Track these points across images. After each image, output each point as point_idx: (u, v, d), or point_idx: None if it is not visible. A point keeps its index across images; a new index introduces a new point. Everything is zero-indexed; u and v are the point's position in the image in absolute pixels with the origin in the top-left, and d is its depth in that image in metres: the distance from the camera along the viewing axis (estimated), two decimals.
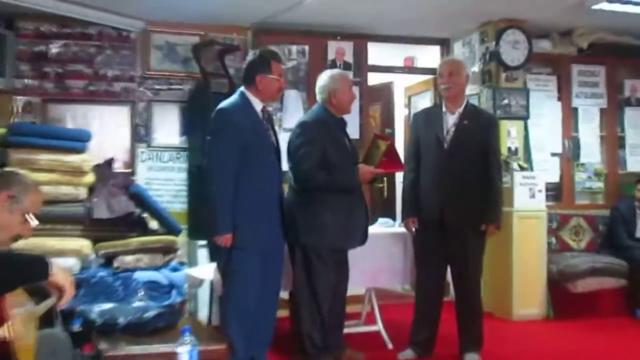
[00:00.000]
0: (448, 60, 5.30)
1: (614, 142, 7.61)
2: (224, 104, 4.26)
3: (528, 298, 6.46)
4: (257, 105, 4.32)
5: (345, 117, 4.83)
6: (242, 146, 4.14)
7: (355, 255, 4.83)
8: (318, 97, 4.74)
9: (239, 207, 4.13)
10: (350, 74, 6.81)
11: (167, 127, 6.78)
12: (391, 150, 4.63)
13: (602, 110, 7.58)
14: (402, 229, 5.29)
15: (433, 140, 4.91)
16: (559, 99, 7.40)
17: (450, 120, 4.94)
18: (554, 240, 7.03)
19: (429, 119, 5.04)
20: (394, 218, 6.24)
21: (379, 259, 5.28)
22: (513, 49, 6.80)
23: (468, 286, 4.95)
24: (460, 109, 4.94)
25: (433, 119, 4.99)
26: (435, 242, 4.92)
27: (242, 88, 4.36)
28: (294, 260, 4.62)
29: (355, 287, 5.15)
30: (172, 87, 6.80)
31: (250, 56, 4.38)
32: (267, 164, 4.29)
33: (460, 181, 4.82)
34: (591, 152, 7.50)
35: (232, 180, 4.11)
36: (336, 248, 4.61)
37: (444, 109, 4.99)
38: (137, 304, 4.56)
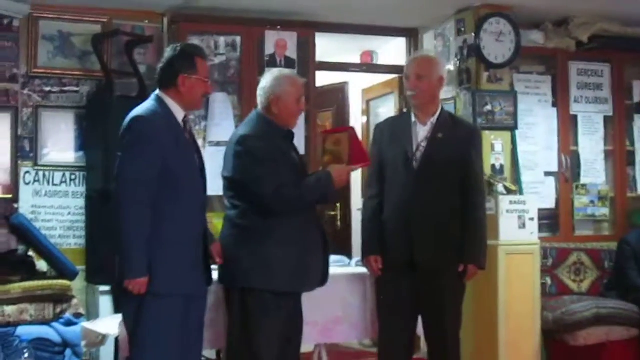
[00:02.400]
0: (416, 58, 5.28)
1: (621, 158, 7.75)
2: (140, 110, 4.22)
3: (518, 353, 6.49)
4: (179, 113, 4.31)
5: None
6: (163, 166, 4.11)
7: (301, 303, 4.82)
8: (258, 100, 4.75)
9: (157, 244, 4.10)
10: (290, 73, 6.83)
11: (60, 141, 6.71)
12: (355, 140, 4.70)
13: (607, 119, 7.72)
14: (361, 270, 5.29)
15: (400, 158, 4.93)
16: (554, 104, 7.52)
17: (421, 133, 4.97)
18: (549, 280, 7.12)
19: (394, 132, 5.07)
20: (349, 255, 6.25)
21: (332, 307, 5.26)
22: (497, 42, 6.90)
23: (445, 342, 4.96)
24: (434, 119, 4.97)
25: (400, 132, 5.02)
26: (404, 287, 4.92)
27: (157, 92, 4.33)
28: (231, 309, 4.61)
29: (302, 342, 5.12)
30: (66, 89, 6.74)
31: (169, 52, 4.36)
32: (193, 189, 4.28)
33: (433, 210, 4.84)
34: (594, 170, 7.62)
35: (149, 210, 4.07)
36: (286, 291, 4.60)
37: (413, 119, 5.02)
38: None
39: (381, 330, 5.13)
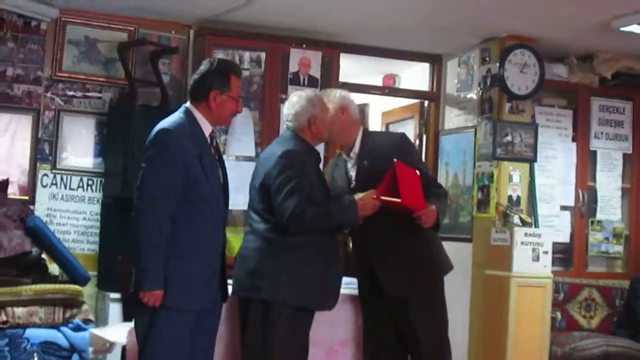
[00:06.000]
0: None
1: (638, 196, 7.74)
2: (166, 123, 4.22)
3: None
4: (206, 128, 4.32)
5: None
6: (186, 181, 4.12)
7: None
8: (290, 125, 4.76)
9: (174, 257, 4.11)
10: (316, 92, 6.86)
11: (79, 145, 6.74)
12: (391, 175, 4.54)
13: (626, 156, 7.72)
14: None
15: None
16: (574, 139, 7.53)
17: (350, 165, 4.93)
18: (559, 315, 7.10)
19: (335, 174, 5.06)
20: None
21: (340, 329, 5.25)
22: (521, 74, 6.89)
23: None
24: (356, 149, 4.91)
25: (338, 172, 5.02)
26: (375, 313, 4.93)
27: (187, 104, 4.34)
28: (247, 322, 4.63)
29: None
30: (89, 94, 6.76)
31: (205, 65, 4.36)
32: (214, 204, 4.29)
33: (386, 235, 4.79)
34: (610, 207, 7.61)
35: (168, 223, 4.08)
36: (312, 308, 4.68)
37: (344, 155, 5.01)
38: None
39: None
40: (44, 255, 5.91)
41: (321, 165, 4.95)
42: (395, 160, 4.54)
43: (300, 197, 4.49)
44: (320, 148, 6.55)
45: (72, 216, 6.66)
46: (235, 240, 5.38)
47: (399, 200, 4.48)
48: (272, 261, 4.58)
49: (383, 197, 4.54)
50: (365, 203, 4.57)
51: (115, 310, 6.13)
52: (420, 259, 4.85)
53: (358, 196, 4.60)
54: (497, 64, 6.90)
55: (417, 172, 4.64)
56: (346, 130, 4.92)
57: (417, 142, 7.92)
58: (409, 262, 4.80)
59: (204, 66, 4.37)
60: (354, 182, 4.87)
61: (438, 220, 4.69)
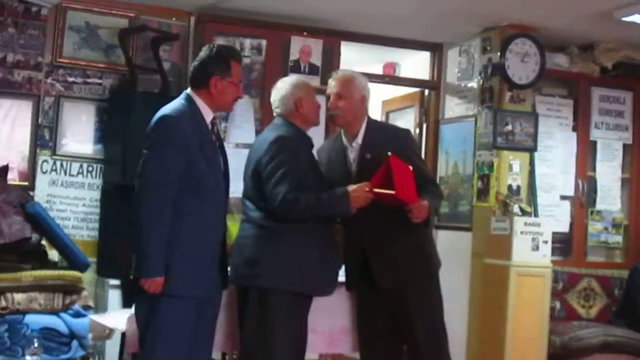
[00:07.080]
0: (336, 77, 5.03)
1: (638, 186, 7.72)
2: (168, 109, 4.22)
3: None
4: (208, 115, 4.32)
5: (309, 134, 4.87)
6: (187, 167, 4.11)
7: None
8: (279, 110, 4.77)
9: (175, 245, 4.10)
10: (317, 80, 6.84)
11: (79, 132, 6.72)
12: (385, 169, 4.52)
13: (625, 147, 7.70)
14: None
15: (337, 184, 4.76)
16: (575, 128, 7.51)
17: (351, 155, 4.89)
18: (558, 304, 7.10)
19: (331, 157, 5.00)
20: None
21: (339, 317, 5.24)
22: (521, 63, 6.87)
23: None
24: (359, 139, 4.87)
25: (336, 157, 4.96)
26: (367, 303, 4.93)
27: (188, 91, 4.33)
28: (245, 309, 4.63)
29: (307, 352, 5.11)
30: (89, 80, 6.75)
31: (204, 51, 4.36)
32: (215, 191, 4.29)
33: (382, 229, 4.76)
34: (610, 197, 7.60)
35: (169, 210, 4.07)
36: (310, 294, 4.69)
37: (344, 141, 4.94)
38: (28, 358, 4.49)
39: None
40: (43, 242, 5.89)
41: (314, 151, 4.93)
42: (389, 153, 4.53)
43: (291, 183, 4.49)
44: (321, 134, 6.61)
45: (71, 202, 6.65)
46: (234, 228, 5.36)
47: (392, 192, 4.46)
48: (268, 248, 4.58)
49: (376, 190, 4.53)
50: (358, 195, 4.53)
51: (114, 296, 6.15)
52: (415, 252, 4.83)
53: (351, 188, 4.56)
54: (498, 53, 6.88)
55: (410, 167, 4.62)
56: (357, 118, 4.88)
57: (417, 130, 7.92)
58: (403, 254, 4.79)
59: (204, 52, 4.36)
60: (354, 174, 4.83)
61: (429, 217, 4.69)
